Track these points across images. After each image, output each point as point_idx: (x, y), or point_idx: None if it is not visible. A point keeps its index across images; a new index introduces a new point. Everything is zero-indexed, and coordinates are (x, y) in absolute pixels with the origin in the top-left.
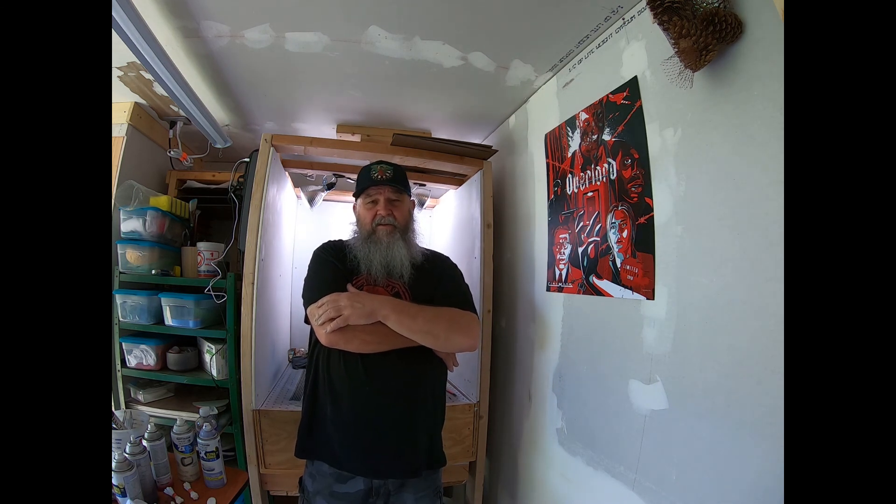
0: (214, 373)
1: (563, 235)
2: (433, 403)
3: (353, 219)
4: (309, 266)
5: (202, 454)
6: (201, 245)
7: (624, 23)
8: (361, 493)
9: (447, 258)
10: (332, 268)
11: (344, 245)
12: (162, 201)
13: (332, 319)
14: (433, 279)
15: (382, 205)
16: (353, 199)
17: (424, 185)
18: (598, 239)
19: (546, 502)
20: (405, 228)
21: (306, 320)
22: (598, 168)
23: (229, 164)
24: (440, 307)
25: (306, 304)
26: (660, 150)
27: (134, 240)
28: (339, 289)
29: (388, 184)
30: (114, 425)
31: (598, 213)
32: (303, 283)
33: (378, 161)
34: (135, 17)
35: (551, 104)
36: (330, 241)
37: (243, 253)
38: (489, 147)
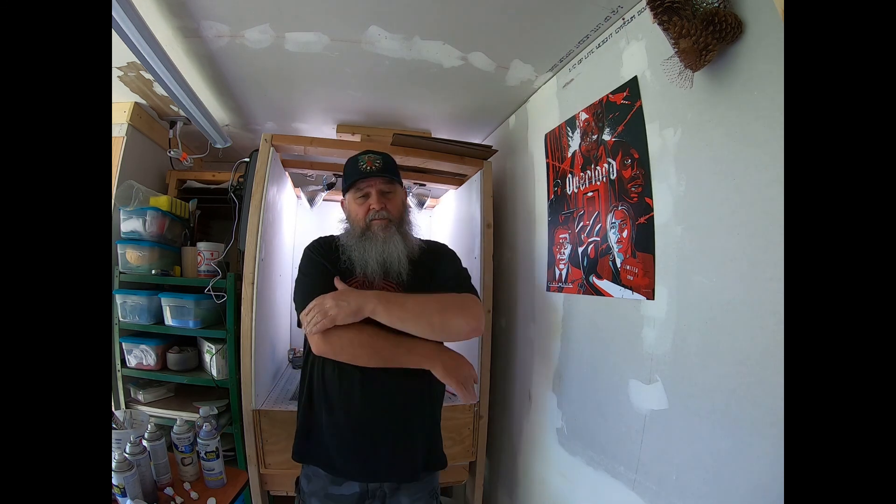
0: (214, 373)
1: (563, 235)
2: (431, 406)
3: (343, 216)
4: (299, 267)
5: (202, 454)
6: (201, 245)
7: (624, 23)
8: (356, 495)
9: (443, 247)
10: (322, 270)
11: (336, 243)
12: (162, 201)
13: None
14: (428, 273)
15: (375, 198)
16: (342, 194)
17: (424, 185)
18: (598, 239)
19: (546, 502)
20: (400, 221)
21: (299, 324)
22: (598, 168)
23: (229, 164)
24: (433, 294)
25: (298, 310)
26: (660, 150)
27: (134, 240)
28: (328, 292)
29: (378, 175)
30: (114, 425)
31: (598, 213)
32: (294, 283)
33: (365, 151)
34: (135, 17)
35: (551, 104)
36: (321, 238)
37: (243, 253)
38: (489, 147)
